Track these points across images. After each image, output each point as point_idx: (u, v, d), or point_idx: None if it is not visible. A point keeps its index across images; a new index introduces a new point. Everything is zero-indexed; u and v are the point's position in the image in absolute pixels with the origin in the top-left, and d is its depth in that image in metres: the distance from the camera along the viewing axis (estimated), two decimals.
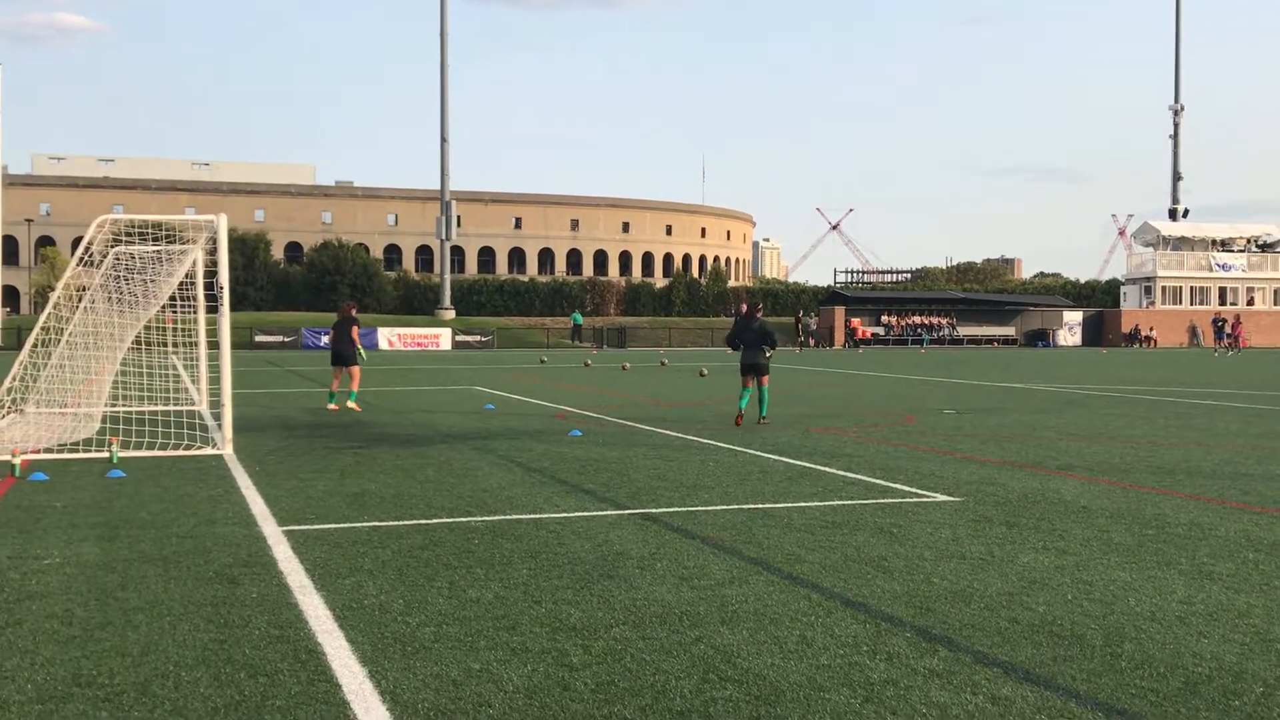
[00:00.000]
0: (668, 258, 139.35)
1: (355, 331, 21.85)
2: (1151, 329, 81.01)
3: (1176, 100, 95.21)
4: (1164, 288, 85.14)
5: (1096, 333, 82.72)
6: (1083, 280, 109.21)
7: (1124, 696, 5.26)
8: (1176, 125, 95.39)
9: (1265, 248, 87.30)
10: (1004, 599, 7.01)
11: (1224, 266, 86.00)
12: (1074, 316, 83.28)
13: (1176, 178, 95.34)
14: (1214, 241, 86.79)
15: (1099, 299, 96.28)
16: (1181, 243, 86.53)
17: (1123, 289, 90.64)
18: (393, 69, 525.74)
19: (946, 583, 7.43)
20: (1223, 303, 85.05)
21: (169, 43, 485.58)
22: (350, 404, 21.23)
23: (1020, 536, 9.01)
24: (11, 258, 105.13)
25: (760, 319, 19.07)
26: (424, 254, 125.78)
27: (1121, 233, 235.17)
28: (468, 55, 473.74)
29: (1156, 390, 28.20)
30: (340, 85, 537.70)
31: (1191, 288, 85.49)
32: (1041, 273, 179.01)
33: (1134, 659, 5.82)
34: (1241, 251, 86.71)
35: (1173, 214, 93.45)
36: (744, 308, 40.42)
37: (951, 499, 10.89)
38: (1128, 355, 60.44)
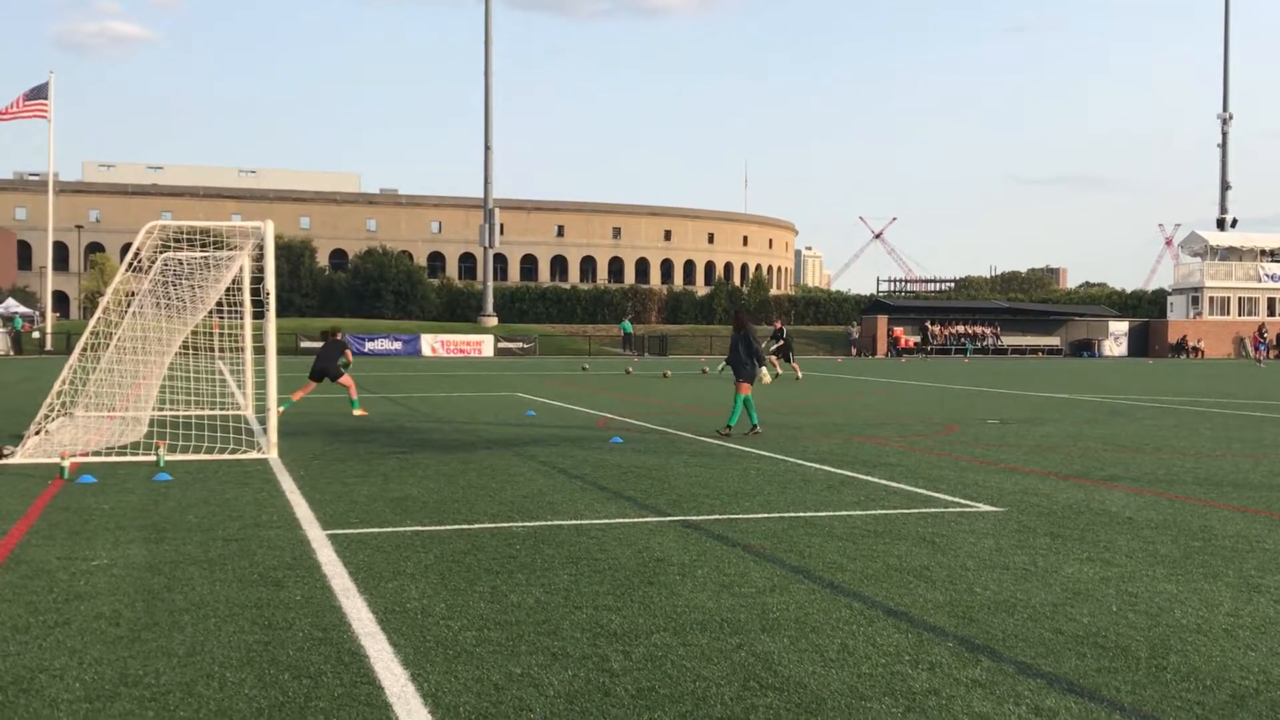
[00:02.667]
0: (709, 266, 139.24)
1: (348, 354, 22.29)
2: (1199, 340, 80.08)
3: (1225, 108, 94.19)
4: (1211, 298, 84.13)
5: (1142, 343, 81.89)
6: (1129, 290, 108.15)
7: (1169, 709, 5.20)
8: (1225, 134, 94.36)
9: None
10: (1048, 610, 6.95)
11: (1273, 277, 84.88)
12: (1120, 327, 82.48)
13: (1225, 187, 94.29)
14: (1263, 251, 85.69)
15: (1145, 309, 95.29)
16: (1229, 253, 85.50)
17: (1169, 299, 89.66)
18: (437, 78, 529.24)
19: (989, 593, 7.38)
20: (1271, 314, 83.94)
21: (218, 51, 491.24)
22: (357, 411, 21.29)
23: (1064, 547, 8.93)
24: (62, 263, 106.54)
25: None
26: (467, 261, 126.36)
27: (1168, 242, 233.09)
28: (512, 64, 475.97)
29: (1203, 401, 27.86)
30: (386, 94, 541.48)
31: (1240, 298, 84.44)
32: (1087, 282, 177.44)
33: (1179, 671, 5.76)
34: None
35: (1220, 223, 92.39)
36: (779, 324, 40.76)
37: (995, 509, 10.81)
38: (1174, 366, 59.76)
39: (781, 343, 38.25)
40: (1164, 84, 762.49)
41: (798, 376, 37.98)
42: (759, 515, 10.36)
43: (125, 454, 14.44)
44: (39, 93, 63.36)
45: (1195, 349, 79.18)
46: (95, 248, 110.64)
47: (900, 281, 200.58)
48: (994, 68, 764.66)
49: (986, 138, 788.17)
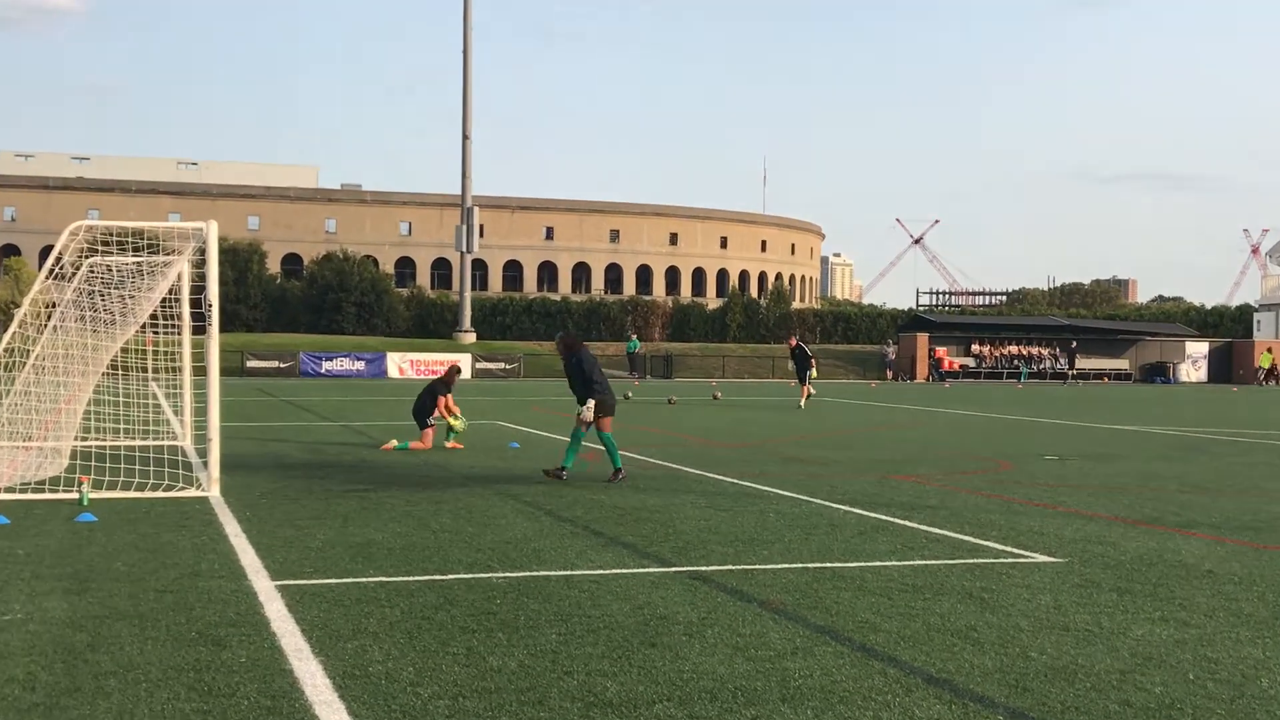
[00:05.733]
0: (722, 274, 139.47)
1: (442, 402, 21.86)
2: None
3: None
4: None
5: (1225, 367, 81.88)
6: (1209, 306, 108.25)
7: None
8: None
9: None
10: (1114, 678, 6.95)
11: None
12: (1198, 348, 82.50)
13: None
14: None
15: (1228, 328, 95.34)
16: None
17: (1256, 316, 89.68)
18: (409, 58, 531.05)
19: (1046, 658, 7.37)
20: None
21: (156, 28, 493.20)
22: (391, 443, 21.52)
23: (1134, 605, 8.93)
24: None
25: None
26: (441, 268, 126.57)
27: (1255, 250, 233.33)
28: (496, 43, 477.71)
29: None
30: (348, 76, 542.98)
31: None
32: (1160, 296, 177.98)
33: None
34: None
35: None
36: (793, 340, 40.16)
37: (1053, 560, 10.81)
38: (1263, 394, 59.78)
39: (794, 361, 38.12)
40: (1252, 69, 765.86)
41: (800, 403, 37.21)
42: (779, 565, 10.36)
43: (43, 490, 14.44)
44: None
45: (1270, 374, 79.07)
46: (9, 250, 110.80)
47: (943, 294, 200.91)
48: (1052, 48, 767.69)
49: (1044, 128, 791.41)
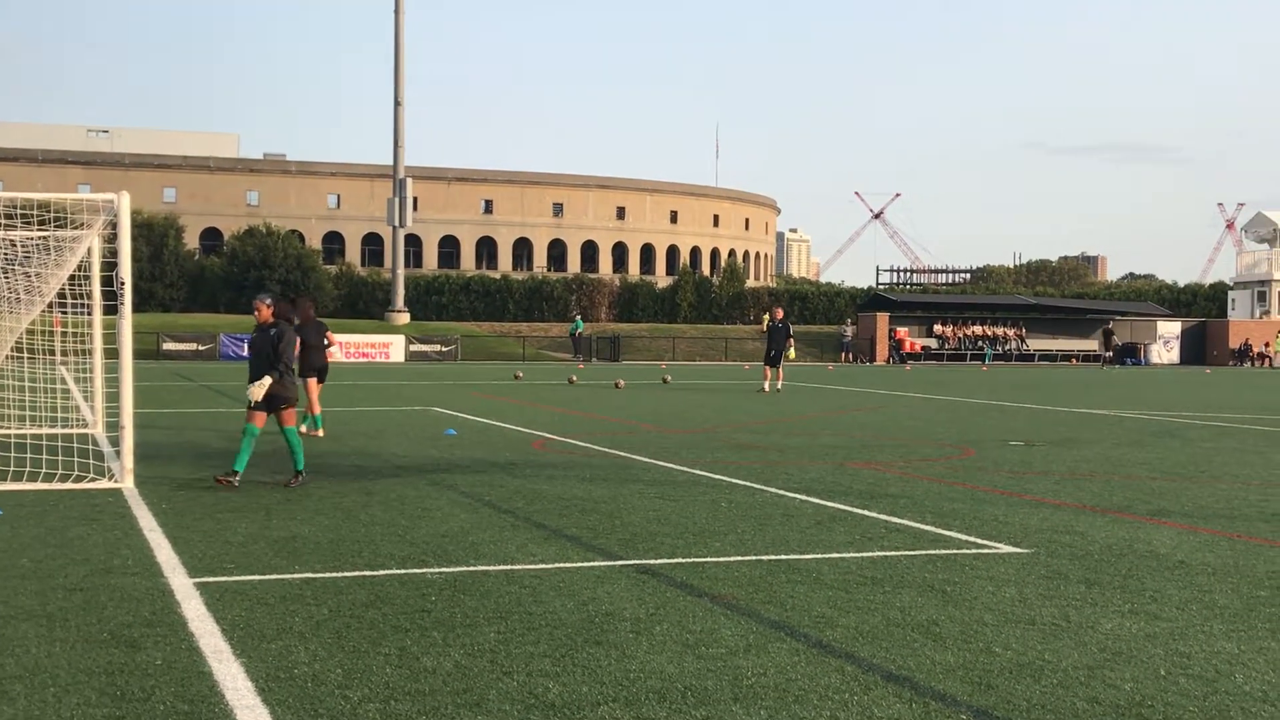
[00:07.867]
0: (672, 251, 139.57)
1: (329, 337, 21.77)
2: (1267, 344, 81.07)
3: None
4: None
5: (1198, 348, 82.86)
6: (1182, 284, 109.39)
7: None
8: None
9: None
10: (1082, 674, 7.01)
11: None
12: (1170, 328, 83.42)
13: None
14: None
15: (1201, 307, 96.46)
16: None
17: (1231, 295, 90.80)
18: (337, 16, 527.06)
19: (1011, 653, 7.43)
20: None
21: None
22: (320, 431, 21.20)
23: (1102, 597, 9.01)
24: None
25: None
26: (372, 244, 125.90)
27: (1230, 226, 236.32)
28: (430, 5, 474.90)
29: (1270, 419, 28.21)
30: (270, 37, 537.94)
31: None
32: (1131, 274, 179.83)
33: None
34: None
35: None
36: (780, 313, 39.26)
37: (1018, 550, 10.90)
38: (1237, 376, 60.49)
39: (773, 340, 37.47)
40: (1232, 35, 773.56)
41: (777, 386, 37.56)
42: (731, 558, 10.39)
43: None
44: None
45: (1262, 355, 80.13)
46: None
47: (905, 272, 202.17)
48: (1021, 12, 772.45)
49: (1008, 96, 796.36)
